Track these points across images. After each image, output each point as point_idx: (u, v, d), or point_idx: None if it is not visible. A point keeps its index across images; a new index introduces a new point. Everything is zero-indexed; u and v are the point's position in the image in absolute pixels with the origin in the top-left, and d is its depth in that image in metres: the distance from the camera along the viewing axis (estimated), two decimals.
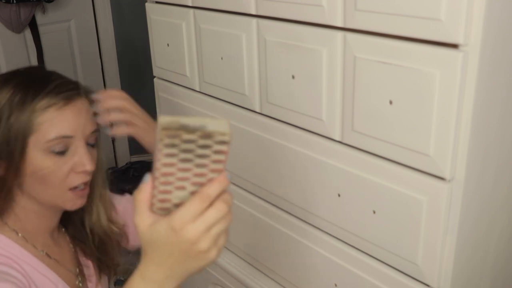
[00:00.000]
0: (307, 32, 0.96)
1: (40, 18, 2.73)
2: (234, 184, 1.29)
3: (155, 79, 1.46)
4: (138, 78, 3.09)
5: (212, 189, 0.60)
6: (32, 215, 0.96)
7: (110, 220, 1.08)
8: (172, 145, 0.58)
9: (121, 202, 1.17)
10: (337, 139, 0.99)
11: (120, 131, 1.06)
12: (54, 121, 0.90)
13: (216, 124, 0.58)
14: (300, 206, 1.11)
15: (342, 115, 0.96)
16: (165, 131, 0.56)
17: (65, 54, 2.90)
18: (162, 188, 0.61)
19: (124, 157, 3.30)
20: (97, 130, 0.98)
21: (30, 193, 0.93)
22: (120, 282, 2.27)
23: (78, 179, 0.94)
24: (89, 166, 0.93)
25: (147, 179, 0.63)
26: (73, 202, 0.95)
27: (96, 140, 0.98)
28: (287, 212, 1.15)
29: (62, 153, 0.91)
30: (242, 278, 1.31)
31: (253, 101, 1.14)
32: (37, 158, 0.90)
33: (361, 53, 0.88)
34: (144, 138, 1.09)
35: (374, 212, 0.95)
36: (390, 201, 0.92)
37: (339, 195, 1.01)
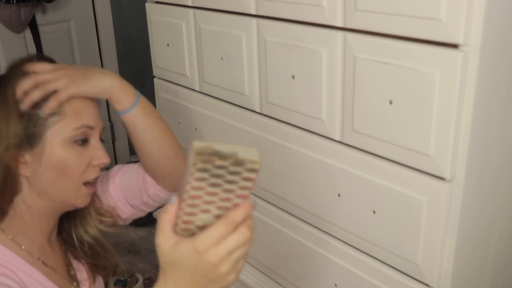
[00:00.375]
0: (307, 32, 0.96)
1: (40, 18, 2.73)
2: None
3: (155, 79, 1.46)
4: (138, 78, 3.08)
5: (238, 215, 0.62)
6: (37, 214, 0.94)
7: (99, 213, 1.05)
8: (204, 170, 0.60)
9: (100, 185, 1.10)
10: (337, 139, 0.99)
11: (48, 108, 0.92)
12: (79, 110, 0.91)
13: (247, 151, 0.60)
14: (300, 206, 1.11)
15: (342, 115, 0.96)
16: (199, 156, 0.58)
17: (65, 54, 2.90)
18: (188, 210, 0.63)
19: (124, 157, 3.30)
20: (104, 127, 0.98)
21: (43, 188, 0.91)
22: (120, 282, 2.27)
23: (94, 173, 0.94)
24: (106, 159, 0.94)
25: (173, 200, 0.64)
26: (83, 198, 0.95)
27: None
28: (287, 212, 1.15)
29: (83, 143, 0.91)
30: (241, 277, 1.31)
31: (253, 101, 1.14)
32: (59, 148, 0.89)
33: (361, 53, 0.88)
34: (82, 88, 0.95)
35: (374, 212, 0.95)
36: (390, 201, 0.92)
37: (339, 195, 1.01)
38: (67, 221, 1.03)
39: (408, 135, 0.85)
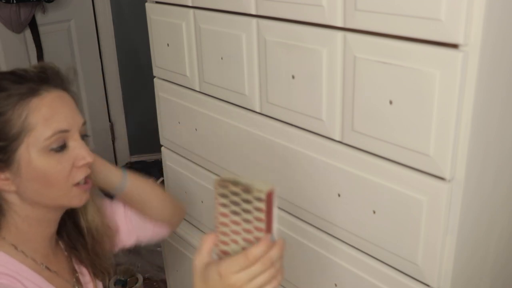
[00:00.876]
0: (307, 32, 0.96)
1: (40, 18, 2.73)
2: None
3: (155, 79, 1.46)
4: (138, 78, 3.09)
5: (258, 251, 0.69)
6: (35, 223, 0.93)
7: (104, 222, 1.07)
8: (223, 195, 0.70)
9: (108, 206, 1.15)
10: (337, 139, 0.99)
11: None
12: (48, 117, 0.86)
13: (258, 183, 0.69)
14: (300, 206, 1.11)
15: (342, 115, 0.96)
16: (219, 181, 0.70)
17: (65, 54, 2.90)
18: (221, 238, 0.73)
19: (124, 157, 3.30)
20: (85, 122, 0.94)
21: (32, 198, 0.90)
22: (120, 282, 2.27)
23: (81, 174, 0.91)
24: (89, 158, 0.91)
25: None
26: (79, 198, 0.93)
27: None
28: (287, 212, 1.15)
29: (61, 149, 0.88)
30: None
31: (253, 101, 1.14)
32: (36, 160, 0.86)
33: (361, 53, 0.88)
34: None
35: (374, 212, 0.95)
36: (390, 201, 0.92)
37: (339, 195, 1.01)
38: (71, 216, 1.03)
39: (408, 135, 0.85)
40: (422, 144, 0.84)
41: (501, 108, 0.87)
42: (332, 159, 1.00)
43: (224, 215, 0.71)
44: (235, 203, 0.69)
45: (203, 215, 1.45)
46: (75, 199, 0.93)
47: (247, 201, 0.68)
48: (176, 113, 1.40)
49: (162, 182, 1.64)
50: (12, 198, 0.90)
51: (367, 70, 0.88)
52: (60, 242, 1.04)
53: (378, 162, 0.92)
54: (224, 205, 0.70)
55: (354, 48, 0.89)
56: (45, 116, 0.86)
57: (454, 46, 0.76)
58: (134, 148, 3.31)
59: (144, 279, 2.32)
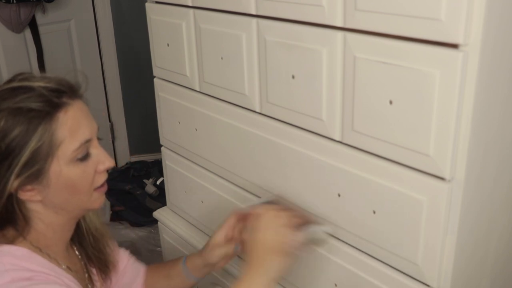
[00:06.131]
0: (307, 32, 0.96)
1: (40, 18, 2.73)
2: (234, 184, 1.29)
3: (155, 79, 1.46)
4: (138, 78, 3.09)
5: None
6: (58, 228, 0.96)
7: (102, 223, 1.10)
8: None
9: (123, 258, 1.19)
10: (337, 139, 0.99)
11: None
12: (74, 129, 0.89)
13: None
14: (300, 206, 1.11)
15: (342, 115, 0.96)
16: None
17: (65, 54, 2.89)
18: None
19: (124, 157, 3.30)
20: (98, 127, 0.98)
21: (58, 205, 0.92)
22: None
23: (102, 178, 0.95)
24: (109, 162, 0.95)
25: None
26: (99, 201, 0.97)
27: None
28: None
29: (85, 158, 0.91)
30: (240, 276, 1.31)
31: (253, 101, 1.14)
32: (65, 171, 0.89)
33: (361, 53, 0.88)
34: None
35: (374, 212, 0.95)
36: (390, 201, 0.92)
37: (339, 195, 1.01)
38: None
39: (408, 135, 0.85)
40: (422, 144, 0.84)
41: (501, 108, 0.87)
42: (332, 159, 1.00)
43: None
44: None
45: (203, 215, 1.45)
46: (96, 202, 0.96)
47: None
48: (176, 113, 1.40)
49: (162, 182, 1.64)
50: (37, 207, 0.92)
51: (367, 70, 0.88)
52: (72, 244, 1.06)
53: (378, 162, 0.92)
54: None
55: (354, 48, 0.89)
56: (71, 128, 0.89)
57: (454, 46, 0.76)
58: (134, 148, 3.31)
59: None
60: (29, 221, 0.92)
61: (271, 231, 0.93)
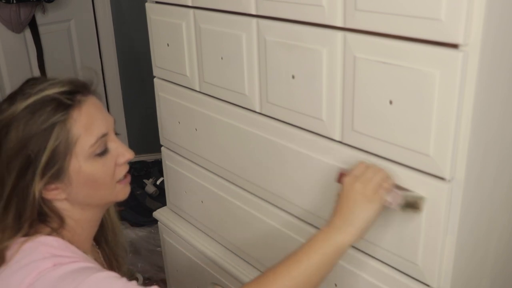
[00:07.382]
0: (307, 32, 0.96)
1: (40, 18, 2.73)
2: (234, 184, 1.29)
3: (155, 79, 1.46)
4: (138, 78, 3.09)
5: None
6: (86, 224, 0.98)
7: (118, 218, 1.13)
8: None
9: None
10: (337, 139, 0.99)
11: None
12: (89, 124, 0.90)
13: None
14: (300, 206, 1.11)
15: (342, 115, 0.96)
16: None
17: (65, 54, 2.89)
18: None
19: None
20: (115, 120, 0.99)
21: (83, 201, 0.94)
22: None
23: (123, 170, 0.97)
24: (129, 154, 0.96)
25: None
26: (124, 192, 0.99)
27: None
28: (287, 212, 1.15)
29: (104, 152, 0.92)
30: (242, 278, 1.31)
31: (253, 101, 1.14)
32: (85, 167, 0.90)
33: (361, 53, 0.88)
34: None
35: None
36: None
37: (339, 195, 1.01)
38: None
39: (408, 135, 0.85)
40: (422, 144, 0.84)
41: (501, 108, 0.87)
42: (332, 159, 1.00)
43: None
44: None
45: (203, 215, 1.45)
46: (120, 194, 0.98)
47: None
48: (176, 113, 1.40)
49: (162, 182, 1.64)
50: (64, 205, 0.94)
51: (367, 70, 0.88)
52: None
53: (378, 162, 0.92)
54: None
55: (354, 48, 0.89)
56: (86, 125, 0.90)
57: (454, 46, 0.76)
58: (134, 148, 3.26)
59: (144, 279, 2.32)
60: (62, 219, 0.94)
61: (368, 179, 0.88)
